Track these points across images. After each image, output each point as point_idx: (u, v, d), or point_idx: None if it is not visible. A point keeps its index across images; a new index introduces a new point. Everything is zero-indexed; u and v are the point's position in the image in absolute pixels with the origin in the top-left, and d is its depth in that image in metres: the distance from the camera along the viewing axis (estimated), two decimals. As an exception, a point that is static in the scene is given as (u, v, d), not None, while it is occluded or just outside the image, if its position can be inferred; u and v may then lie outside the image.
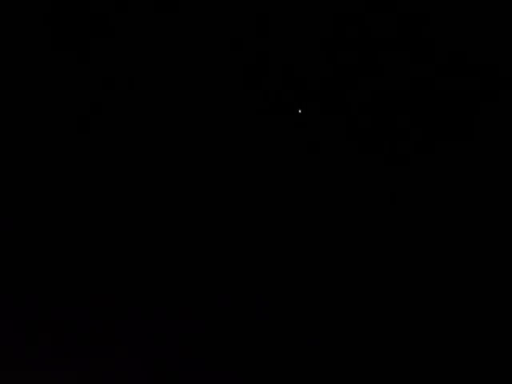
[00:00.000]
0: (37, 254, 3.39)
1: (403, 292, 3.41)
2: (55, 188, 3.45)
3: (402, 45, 3.46)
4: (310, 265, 3.44)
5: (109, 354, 3.32)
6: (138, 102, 3.48)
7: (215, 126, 3.48)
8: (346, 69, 3.48)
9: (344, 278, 3.43)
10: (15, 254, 3.38)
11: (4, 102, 3.46)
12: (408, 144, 3.47)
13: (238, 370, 3.35)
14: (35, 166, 3.45)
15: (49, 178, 3.44)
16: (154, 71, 3.48)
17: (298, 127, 3.46)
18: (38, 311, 3.33)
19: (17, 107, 3.47)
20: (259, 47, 3.47)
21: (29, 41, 3.46)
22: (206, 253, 3.43)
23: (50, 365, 3.28)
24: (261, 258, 3.43)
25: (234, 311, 3.39)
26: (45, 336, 3.31)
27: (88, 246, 3.41)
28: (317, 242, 3.45)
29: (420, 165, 3.46)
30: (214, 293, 3.41)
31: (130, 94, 3.48)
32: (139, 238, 3.43)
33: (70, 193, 3.44)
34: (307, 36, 3.47)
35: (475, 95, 3.45)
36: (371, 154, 3.46)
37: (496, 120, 3.45)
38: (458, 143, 3.46)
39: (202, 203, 3.46)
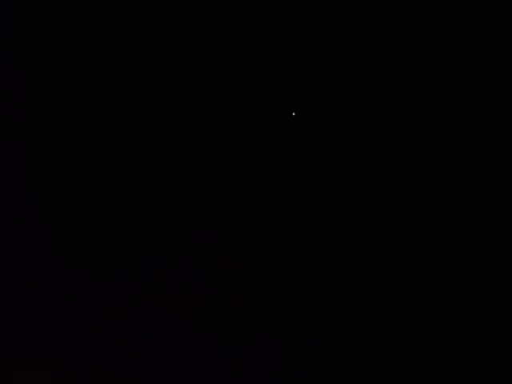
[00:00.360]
0: (37, 253, 3.39)
1: (401, 291, 3.42)
2: (55, 187, 3.45)
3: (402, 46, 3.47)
4: (306, 266, 3.44)
5: (109, 354, 3.33)
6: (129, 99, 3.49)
7: (208, 126, 3.49)
8: (343, 69, 3.49)
9: (341, 279, 3.43)
10: (16, 254, 3.38)
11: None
12: (405, 143, 3.48)
13: (238, 370, 3.36)
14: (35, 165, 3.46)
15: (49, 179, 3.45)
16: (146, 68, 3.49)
17: (293, 128, 3.47)
18: (37, 311, 3.34)
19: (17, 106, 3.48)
20: (254, 46, 3.48)
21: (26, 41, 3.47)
22: (204, 252, 3.44)
23: (50, 365, 3.29)
24: (258, 258, 3.44)
25: (233, 311, 3.40)
26: (45, 336, 3.32)
27: (87, 244, 3.42)
28: (314, 243, 3.45)
29: (417, 165, 3.46)
30: (213, 292, 3.41)
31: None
32: (138, 236, 3.43)
33: (70, 192, 3.45)
34: (304, 36, 3.48)
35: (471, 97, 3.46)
36: (367, 153, 3.47)
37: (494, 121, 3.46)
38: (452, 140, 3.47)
39: (199, 202, 3.47)
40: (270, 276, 3.43)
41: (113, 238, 3.42)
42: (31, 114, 3.45)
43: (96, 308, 3.36)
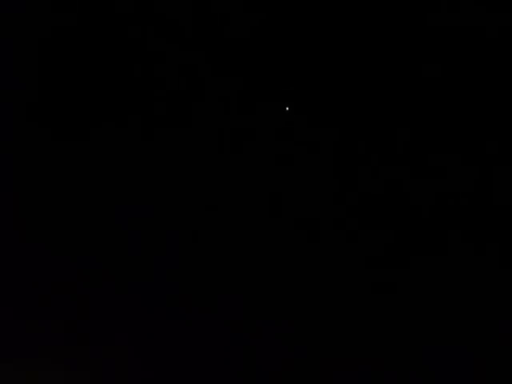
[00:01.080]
0: (38, 252, 3.41)
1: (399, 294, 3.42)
2: (56, 190, 3.47)
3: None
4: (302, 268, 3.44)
5: (109, 354, 3.33)
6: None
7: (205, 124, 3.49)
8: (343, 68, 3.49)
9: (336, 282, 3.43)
10: (16, 253, 3.40)
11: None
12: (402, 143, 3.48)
13: (237, 370, 3.36)
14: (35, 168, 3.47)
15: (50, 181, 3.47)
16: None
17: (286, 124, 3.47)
18: (38, 311, 3.35)
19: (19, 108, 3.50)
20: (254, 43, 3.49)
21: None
22: (204, 253, 3.44)
23: (49, 364, 3.29)
24: (257, 259, 3.44)
25: (232, 312, 3.40)
26: (45, 336, 3.33)
27: (88, 244, 3.43)
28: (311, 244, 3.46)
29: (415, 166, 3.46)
30: (213, 293, 3.42)
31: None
32: (137, 236, 3.44)
33: (71, 195, 3.46)
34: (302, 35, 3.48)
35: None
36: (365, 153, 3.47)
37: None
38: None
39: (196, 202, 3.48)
40: (269, 275, 3.44)
41: (112, 239, 3.43)
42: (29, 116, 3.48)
43: (95, 308, 3.37)
